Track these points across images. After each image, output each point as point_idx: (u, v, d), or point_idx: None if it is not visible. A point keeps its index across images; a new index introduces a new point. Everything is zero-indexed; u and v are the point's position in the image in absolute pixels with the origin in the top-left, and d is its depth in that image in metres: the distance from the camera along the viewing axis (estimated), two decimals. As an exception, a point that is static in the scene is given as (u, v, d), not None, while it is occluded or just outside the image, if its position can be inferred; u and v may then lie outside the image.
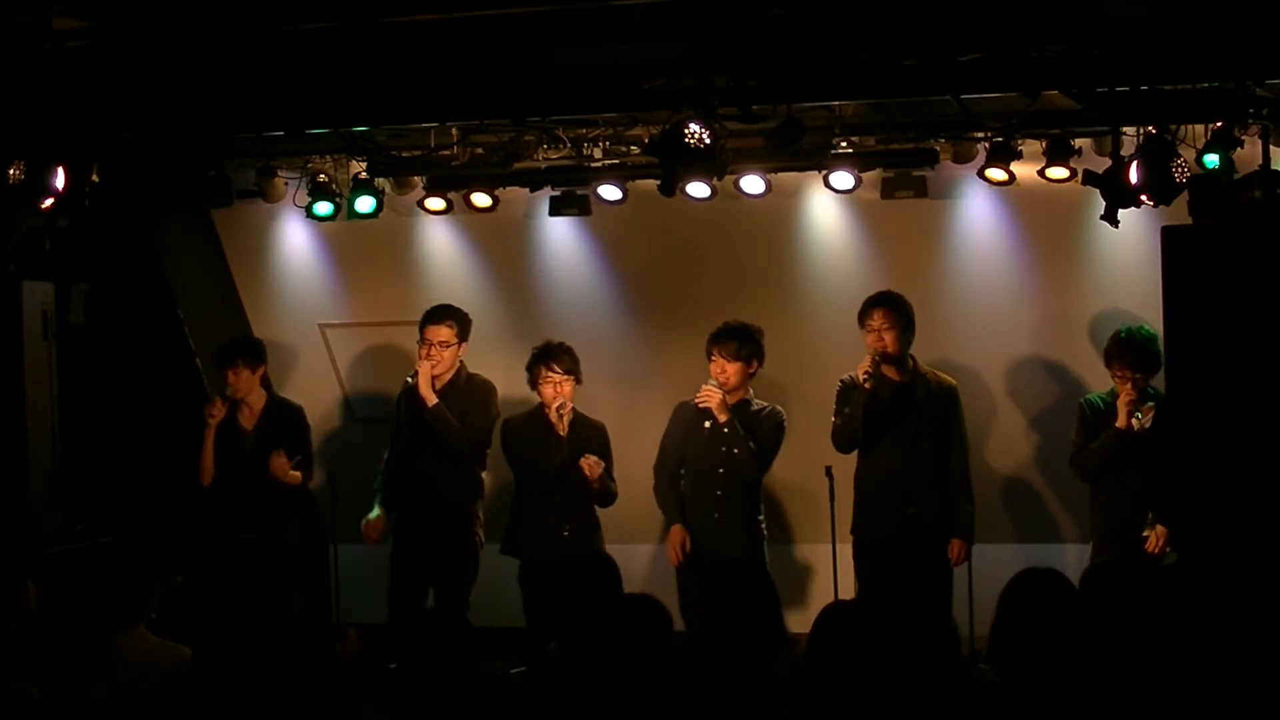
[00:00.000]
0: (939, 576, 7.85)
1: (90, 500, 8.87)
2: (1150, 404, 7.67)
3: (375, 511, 8.43)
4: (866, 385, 7.72)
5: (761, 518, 8.12)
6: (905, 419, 7.87)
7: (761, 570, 7.95)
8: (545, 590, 7.64)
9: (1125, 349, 7.75)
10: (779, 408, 8.13)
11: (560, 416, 8.02)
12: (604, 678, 4.97)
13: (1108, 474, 7.82)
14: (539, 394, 8.15)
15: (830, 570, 8.11)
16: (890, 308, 7.87)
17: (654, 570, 8.39)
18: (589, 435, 8.16)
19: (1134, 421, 7.68)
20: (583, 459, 7.94)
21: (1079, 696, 4.63)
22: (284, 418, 8.56)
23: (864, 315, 7.90)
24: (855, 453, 8.00)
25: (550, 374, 8.06)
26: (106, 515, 8.91)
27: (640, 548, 8.39)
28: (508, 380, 8.55)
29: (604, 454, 8.12)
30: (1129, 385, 7.71)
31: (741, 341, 7.97)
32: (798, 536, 9.06)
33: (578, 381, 8.11)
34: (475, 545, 8.36)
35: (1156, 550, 7.57)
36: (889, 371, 7.88)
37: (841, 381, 7.93)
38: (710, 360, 7.98)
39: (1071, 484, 8.38)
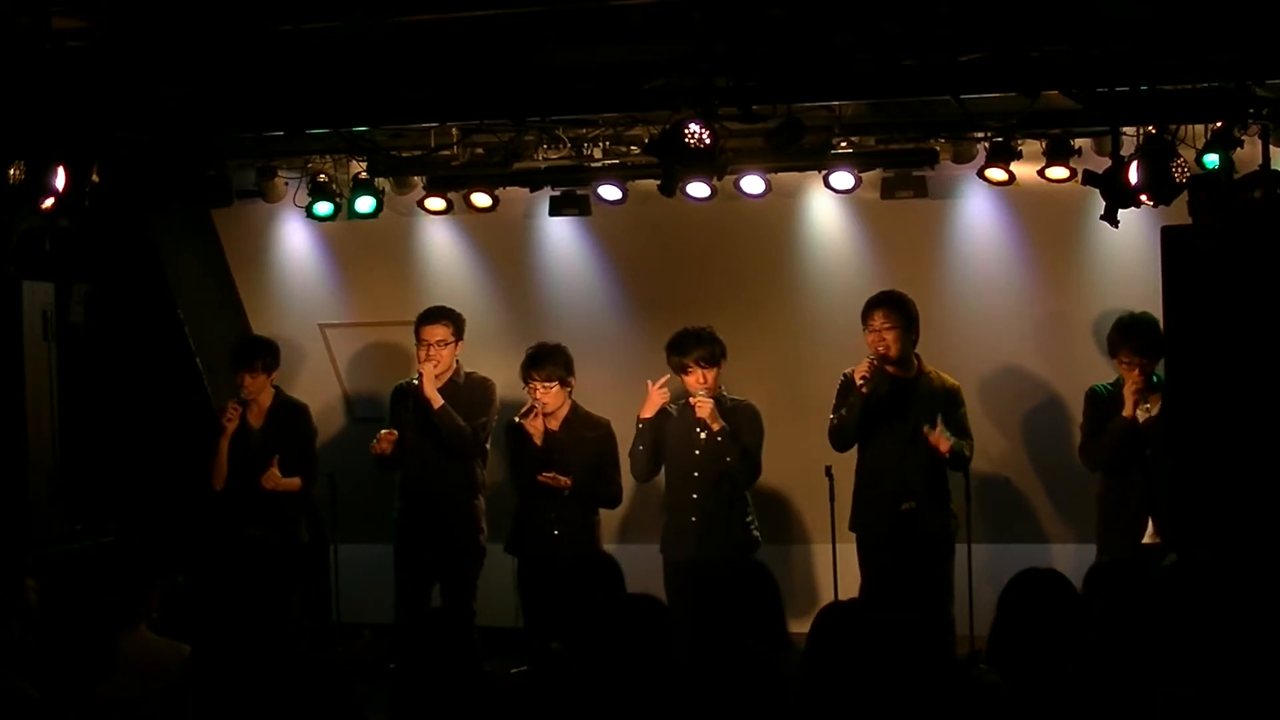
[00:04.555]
0: (938, 572, 7.80)
1: (90, 500, 8.87)
2: (1157, 393, 7.56)
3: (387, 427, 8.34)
4: (863, 390, 7.66)
5: (751, 519, 8.00)
6: (904, 415, 7.79)
7: (762, 570, 7.97)
8: (539, 590, 7.63)
9: (1129, 333, 7.65)
10: (750, 401, 8.01)
11: (534, 424, 7.97)
12: (604, 678, 4.97)
13: (1114, 473, 7.74)
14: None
15: (830, 570, 8.11)
16: (891, 308, 7.78)
17: (654, 570, 8.37)
18: (587, 435, 8.11)
19: (1140, 411, 7.59)
20: (543, 475, 7.92)
21: (1079, 697, 4.63)
22: (289, 416, 8.53)
23: (865, 316, 7.82)
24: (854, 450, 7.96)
25: (532, 381, 8.03)
26: (106, 515, 8.90)
27: (641, 548, 8.38)
28: (507, 380, 8.55)
29: (606, 454, 8.09)
30: (1135, 372, 7.60)
31: (710, 346, 7.85)
32: (798, 537, 9.06)
33: (563, 385, 8.04)
34: (479, 540, 8.38)
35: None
36: (891, 369, 7.81)
37: (844, 375, 7.83)
38: (686, 374, 7.84)
39: (1071, 484, 8.37)
